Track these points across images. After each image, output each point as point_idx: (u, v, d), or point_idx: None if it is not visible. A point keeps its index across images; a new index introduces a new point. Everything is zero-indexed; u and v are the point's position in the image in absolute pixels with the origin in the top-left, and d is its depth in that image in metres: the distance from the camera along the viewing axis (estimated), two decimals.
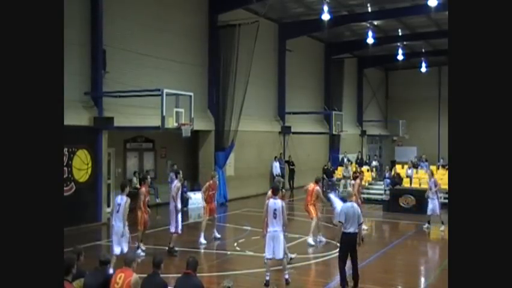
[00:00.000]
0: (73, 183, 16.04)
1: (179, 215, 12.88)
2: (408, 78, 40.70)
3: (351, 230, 9.73)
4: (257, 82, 24.22)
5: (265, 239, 10.21)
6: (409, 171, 23.85)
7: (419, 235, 16.22)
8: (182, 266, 7.41)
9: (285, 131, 27.54)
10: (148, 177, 14.34)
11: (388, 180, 22.43)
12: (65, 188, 15.41)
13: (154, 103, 16.56)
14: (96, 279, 6.75)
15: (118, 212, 10.77)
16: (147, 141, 20.97)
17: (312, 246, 13.93)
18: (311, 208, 14.38)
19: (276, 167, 25.84)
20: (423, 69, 38.00)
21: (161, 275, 6.92)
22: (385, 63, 39.13)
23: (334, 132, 28.21)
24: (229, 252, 13.37)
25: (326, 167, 26.97)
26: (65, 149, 15.66)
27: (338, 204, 14.79)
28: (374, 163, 29.12)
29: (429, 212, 16.31)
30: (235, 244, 14.03)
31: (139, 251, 12.41)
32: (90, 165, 16.67)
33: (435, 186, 16.37)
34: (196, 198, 20.75)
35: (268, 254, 10.07)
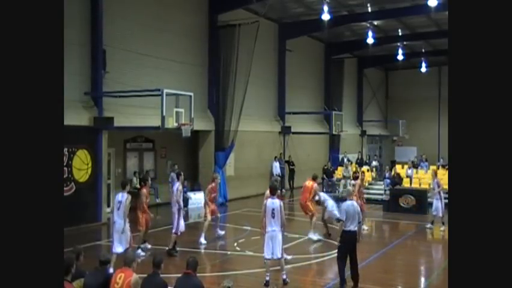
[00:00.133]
0: (73, 183, 16.05)
1: (182, 217, 12.90)
2: (408, 78, 40.71)
3: (351, 227, 9.79)
4: (257, 82, 24.23)
5: (264, 239, 10.21)
6: (409, 171, 23.88)
7: (419, 235, 16.22)
8: (182, 266, 7.41)
9: (285, 131, 27.54)
10: (149, 178, 14.33)
11: (388, 180, 22.46)
12: (65, 188, 15.42)
13: (154, 103, 16.57)
14: (96, 279, 6.74)
15: (118, 209, 10.82)
16: (147, 141, 20.97)
17: (315, 241, 13.95)
18: (310, 204, 14.47)
19: (276, 167, 25.81)
20: (423, 69, 37.99)
21: (161, 275, 6.92)
22: (385, 63, 39.12)
23: (334, 132, 28.19)
24: (229, 252, 13.36)
25: (326, 167, 26.96)
26: (65, 149, 15.67)
27: (330, 201, 14.89)
28: (374, 163, 29.15)
29: (433, 212, 16.33)
30: (235, 244, 14.01)
31: (139, 251, 12.40)
32: (90, 165, 16.67)
33: (439, 186, 16.25)
34: (196, 198, 20.81)
35: (267, 254, 10.07)
